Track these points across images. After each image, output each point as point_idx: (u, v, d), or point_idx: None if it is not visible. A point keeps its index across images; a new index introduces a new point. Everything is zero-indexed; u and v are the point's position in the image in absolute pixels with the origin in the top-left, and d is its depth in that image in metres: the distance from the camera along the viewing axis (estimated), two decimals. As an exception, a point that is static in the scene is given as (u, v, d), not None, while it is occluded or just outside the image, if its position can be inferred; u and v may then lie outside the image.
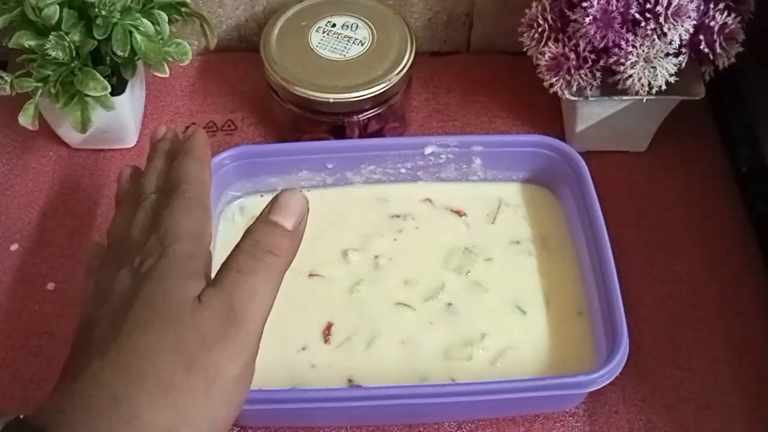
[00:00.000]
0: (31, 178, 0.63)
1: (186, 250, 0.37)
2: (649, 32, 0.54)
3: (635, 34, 0.54)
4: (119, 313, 0.35)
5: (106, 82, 0.55)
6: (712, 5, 0.55)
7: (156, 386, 0.32)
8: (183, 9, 0.60)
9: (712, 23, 0.55)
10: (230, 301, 0.35)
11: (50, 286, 0.57)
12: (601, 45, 0.54)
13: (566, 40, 0.56)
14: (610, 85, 0.57)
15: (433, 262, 0.56)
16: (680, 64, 0.55)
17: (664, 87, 0.55)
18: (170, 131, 0.47)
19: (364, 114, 0.60)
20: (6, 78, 0.54)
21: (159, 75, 0.57)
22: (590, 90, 0.58)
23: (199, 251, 0.38)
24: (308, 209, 0.39)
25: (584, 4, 0.53)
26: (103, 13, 0.53)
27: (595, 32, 0.54)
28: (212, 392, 0.34)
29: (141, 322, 0.34)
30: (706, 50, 0.55)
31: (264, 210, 0.39)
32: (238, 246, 0.37)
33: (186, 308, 0.35)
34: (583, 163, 0.55)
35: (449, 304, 0.54)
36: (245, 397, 0.36)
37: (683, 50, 0.55)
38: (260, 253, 0.37)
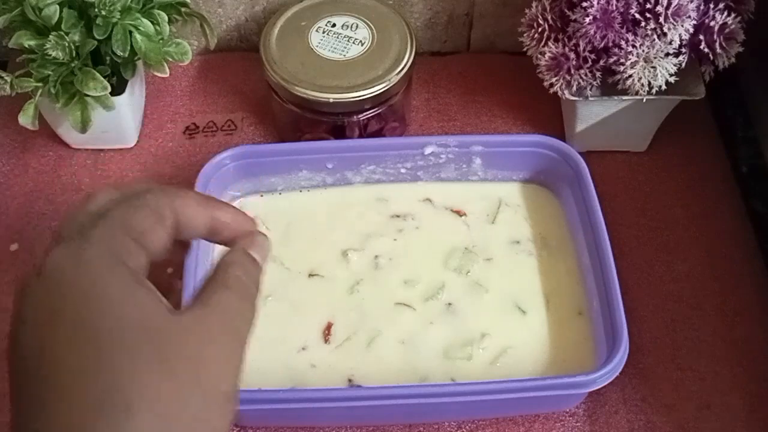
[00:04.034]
0: (31, 178, 0.63)
1: None
2: (649, 32, 0.54)
3: (635, 34, 0.54)
4: None
5: (106, 82, 0.55)
6: (712, 5, 0.55)
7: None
8: (183, 9, 0.60)
9: (712, 23, 0.55)
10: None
11: (50, 286, 0.56)
12: (601, 45, 0.54)
13: (566, 40, 0.56)
14: (610, 85, 0.57)
15: (433, 262, 0.56)
16: (680, 64, 0.55)
17: (664, 87, 0.55)
18: None
19: (364, 114, 0.60)
20: (6, 78, 0.54)
21: (159, 75, 0.57)
22: (590, 90, 0.58)
23: None
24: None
25: (584, 4, 0.53)
26: (103, 13, 0.53)
27: (595, 32, 0.54)
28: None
29: None
30: (706, 50, 0.55)
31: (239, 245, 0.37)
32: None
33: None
34: (583, 163, 0.55)
35: (449, 304, 0.54)
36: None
37: (683, 50, 0.55)
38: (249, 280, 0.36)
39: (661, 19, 0.53)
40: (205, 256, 0.53)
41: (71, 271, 0.30)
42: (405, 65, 0.59)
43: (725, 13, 0.55)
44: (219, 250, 0.55)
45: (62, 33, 0.53)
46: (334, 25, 0.62)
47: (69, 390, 0.28)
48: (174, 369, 0.30)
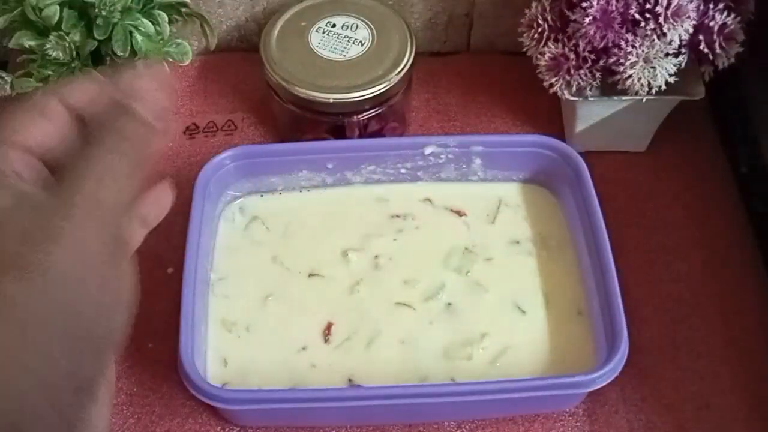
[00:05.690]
0: (31, 178, 0.63)
1: None
2: (649, 32, 0.54)
3: (635, 34, 0.54)
4: None
5: (106, 83, 0.55)
6: (711, 5, 0.55)
7: None
8: (183, 9, 0.60)
9: (712, 23, 0.55)
10: None
11: (50, 286, 0.56)
12: (601, 45, 0.54)
13: (566, 40, 0.56)
14: (610, 85, 0.57)
15: (433, 262, 0.56)
16: (680, 64, 0.55)
17: (663, 87, 0.55)
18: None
19: (364, 114, 0.60)
20: (6, 78, 0.55)
21: (159, 75, 0.57)
22: (590, 90, 0.58)
23: None
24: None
25: (584, 5, 0.53)
26: (104, 13, 0.53)
27: (595, 32, 0.54)
28: None
29: None
30: (706, 50, 0.55)
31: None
32: None
33: None
34: (583, 163, 0.55)
35: (449, 304, 0.54)
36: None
37: (683, 50, 0.55)
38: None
39: (661, 20, 0.53)
40: (206, 255, 0.53)
41: None
42: (405, 65, 0.59)
43: (725, 13, 0.55)
44: (220, 250, 0.56)
45: (62, 33, 0.54)
46: (334, 26, 0.62)
47: None
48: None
